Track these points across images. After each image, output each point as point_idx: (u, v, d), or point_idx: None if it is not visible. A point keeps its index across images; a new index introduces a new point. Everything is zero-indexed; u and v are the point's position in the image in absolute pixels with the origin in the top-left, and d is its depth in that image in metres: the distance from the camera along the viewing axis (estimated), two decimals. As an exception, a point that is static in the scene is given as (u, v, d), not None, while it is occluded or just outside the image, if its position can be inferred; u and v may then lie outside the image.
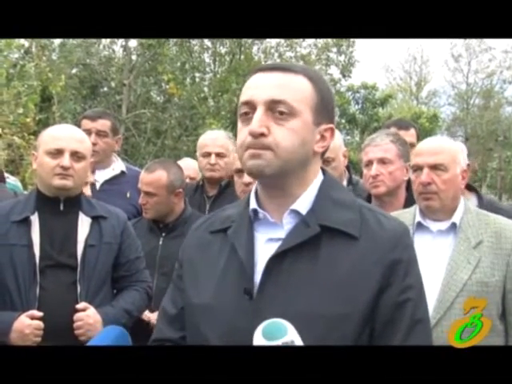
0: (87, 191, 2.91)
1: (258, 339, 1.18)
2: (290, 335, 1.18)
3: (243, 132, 1.32)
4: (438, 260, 2.18)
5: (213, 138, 3.45)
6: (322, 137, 1.35)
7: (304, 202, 1.33)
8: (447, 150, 2.26)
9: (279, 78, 1.32)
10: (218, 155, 3.35)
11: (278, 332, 1.18)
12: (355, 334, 1.24)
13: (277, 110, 1.29)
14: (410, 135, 3.58)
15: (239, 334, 1.25)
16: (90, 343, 1.47)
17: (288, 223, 1.33)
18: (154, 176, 2.96)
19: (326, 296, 1.25)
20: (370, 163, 2.67)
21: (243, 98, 1.34)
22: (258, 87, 1.32)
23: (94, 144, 3.24)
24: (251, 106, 1.31)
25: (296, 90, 1.31)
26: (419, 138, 3.88)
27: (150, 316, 2.81)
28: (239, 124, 1.35)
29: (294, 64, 1.40)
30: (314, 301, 1.24)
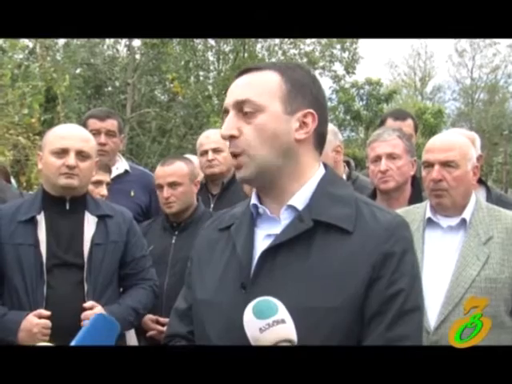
0: (103, 191, 2.91)
1: (249, 317, 1.19)
2: (280, 314, 1.18)
3: None
4: (447, 256, 2.17)
5: (207, 136, 3.49)
6: (304, 123, 1.34)
7: (301, 198, 1.34)
8: (458, 147, 2.23)
9: (244, 79, 1.35)
10: (215, 150, 3.38)
11: (268, 310, 1.18)
12: (346, 326, 1.25)
13: (244, 110, 1.32)
14: (407, 126, 3.47)
15: (234, 328, 1.26)
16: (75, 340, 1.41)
17: (285, 219, 1.34)
18: (175, 166, 2.99)
19: (317, 289, 1.25)
20: (378, 159, 2.65)
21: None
22: (229, 93, 1.36)
23: (105, 144, 3.25)
24: (227, 112, 1.35)
25: (259, 85, 1.33)
26: (417, 129, 3.77)
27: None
28: None
29: (266, 62, 1.42)
30: (305, 294, 1.25)
